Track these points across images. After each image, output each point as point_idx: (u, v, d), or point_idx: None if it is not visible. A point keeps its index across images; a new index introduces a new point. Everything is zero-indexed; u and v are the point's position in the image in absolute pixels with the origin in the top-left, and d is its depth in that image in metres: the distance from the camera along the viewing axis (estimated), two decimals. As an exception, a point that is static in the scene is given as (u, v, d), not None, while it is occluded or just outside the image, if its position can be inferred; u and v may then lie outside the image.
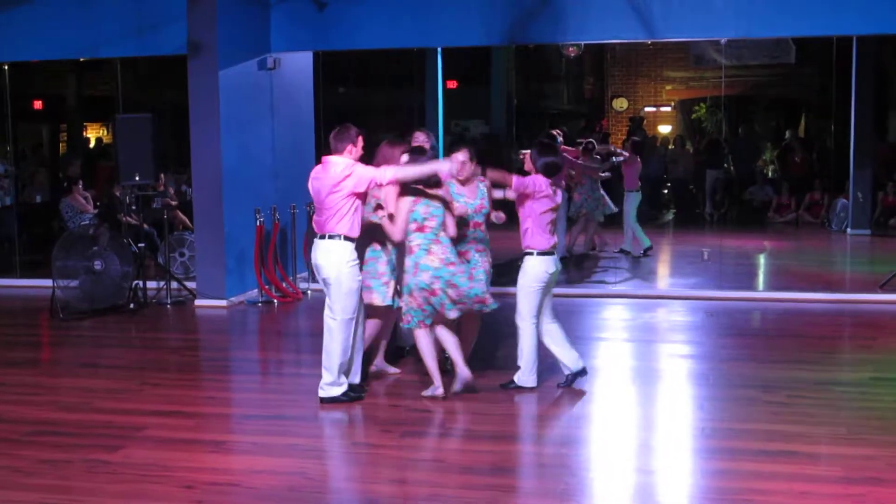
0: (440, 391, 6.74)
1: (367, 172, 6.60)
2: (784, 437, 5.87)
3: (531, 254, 6.88)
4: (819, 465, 5.44)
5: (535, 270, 6.85)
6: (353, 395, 6.79)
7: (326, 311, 6.68)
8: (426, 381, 6.94)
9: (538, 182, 6.86)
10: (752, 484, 5.13)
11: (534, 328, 6.91)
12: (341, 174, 6.56)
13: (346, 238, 6.60)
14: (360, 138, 6.76)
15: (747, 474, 5.28)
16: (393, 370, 7.54)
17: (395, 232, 6.73)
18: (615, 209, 13.47)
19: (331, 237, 6.61)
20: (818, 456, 5.60)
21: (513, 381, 7.03)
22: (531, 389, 6.97)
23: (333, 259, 6.59)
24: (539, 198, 6.85)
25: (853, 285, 11.46)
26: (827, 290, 10.79)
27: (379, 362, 7.50)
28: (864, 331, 9.26)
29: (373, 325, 7.22)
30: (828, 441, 5.85)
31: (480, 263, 7.14)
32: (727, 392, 7.03)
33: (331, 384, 6.71)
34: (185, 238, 12.33)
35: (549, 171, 6.93)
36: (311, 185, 6.77)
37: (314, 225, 6.80)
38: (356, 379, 6.89)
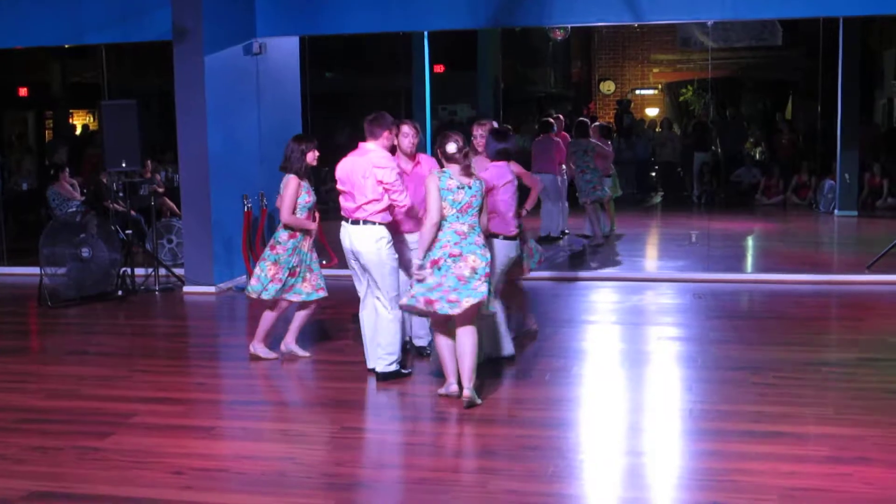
0: (454, 388, 6.49)
1: (396, 184, 6.67)
2: (771, 418, 5.91)
3: (497, 237, 6.96)
4: (806, 446, 5.47)
5: (500, 254, 6.95)
6: (406, 371, 6.98)
7: (368, 296, 6.85)
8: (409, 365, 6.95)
9: (501, 172, 6.92)
10: (740, 464, 5.17)
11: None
12: (382, 163, 6.65)
13: (380, 223, 6.72)
14: (395, 127, 6.87)
15: (735, 455, 5.31)
16: (303, 353, 7.66)
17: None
18: (608, 193, 13.31)
19: (365, 222, 6.70)
20: (805, 436, 5.63)
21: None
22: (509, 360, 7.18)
23: (372, 244, 6.68)
24: (503, 185, 6.95)
25: (840, 266, 11.52)
26: (814, 272, 10.83)
27: (290, 344, 7.68)
28: (852, 312, 9.30)
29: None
30: (815, 421, 5.89)
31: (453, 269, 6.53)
32: (715, 374, 7.06)
33: (391, 362, 6.83)
34: (172, 224, 12.30)
35: (502, 158, 7.03)
36: (342, 169, 6.82)
37: (344, 210, 6.83)
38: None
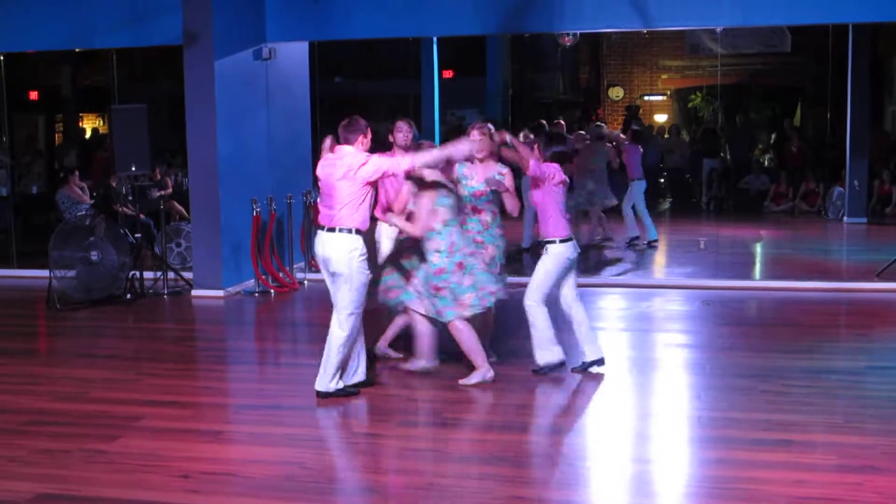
0: (490, 374, 6.76)
1: (382, 162, 6.50)
2: (780, 426, 5.89)
3: (553, 242, 6.95)
4: (815, 454, 5.45)
5: (560, 257, 6.96)
6: (351, 389, 6.68)
7: (335, 306, 6.63)
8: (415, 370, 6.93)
9: (552, 169, 6.94)
10: (749, 473, 5.15)
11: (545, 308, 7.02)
12: (356, 162, 6.42)
13: (357, 231, 6.45)
14: (369, 130, 6.65)
15: (743, 463, 5.30)
16: (395, 354, 7.55)
17: (416, 229, 6.71)
18: (615, 201, 13.32)
19: (340, 230, 6.44)
20: (814, 444, 5.61)
21: (540, 367, 7.08)
22: (558, 367, 7.09)
23: (344, 253, 6.41)
24: (556, 184, 6.95)
25: (850, 274, 11.49)
26: (823, 279, 10.80)
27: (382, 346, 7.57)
28: (861, 319, 9.27)
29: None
30: (824, 430, 5.87)
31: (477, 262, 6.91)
32: (723, 381, 7.04)
33: (328, 379, 6.60)
34: (181, 228, 12.33)
35: (560, 160, 7.05)
36: (321, 174, 6.63)
37: (321, 217, 6.64)
38: (358, 377, 6.79)
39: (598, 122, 14.27)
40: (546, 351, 7.02)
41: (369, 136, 6.63)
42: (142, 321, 9.78)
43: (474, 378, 6.79)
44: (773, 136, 18.50)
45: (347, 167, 6.42)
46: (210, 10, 10.35)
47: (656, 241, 13.41)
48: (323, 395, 6.62)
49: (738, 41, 16.77)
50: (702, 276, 11.28)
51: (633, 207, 13.31)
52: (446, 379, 7.24)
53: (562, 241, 6.94)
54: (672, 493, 5.08)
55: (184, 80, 10.60)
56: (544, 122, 13.67)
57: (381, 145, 7.78)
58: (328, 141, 6.97)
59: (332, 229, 6.46)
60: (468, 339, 6.70)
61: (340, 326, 6.51)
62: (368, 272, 6.58)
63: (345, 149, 6.55)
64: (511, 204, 7.07)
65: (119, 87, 12.63)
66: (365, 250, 6.51)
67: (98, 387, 7.11)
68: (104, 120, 17.36)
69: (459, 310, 6.71)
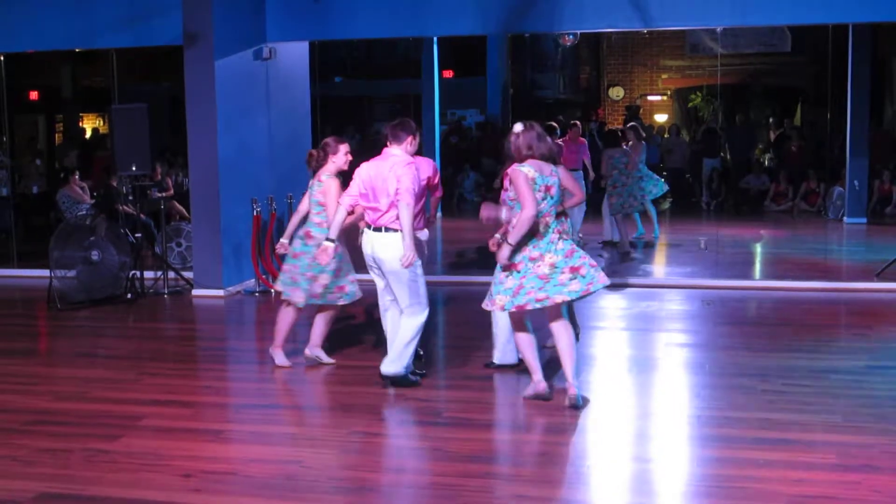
0: (542, 385, 6.47)
1: (409, 189, 6.47)
2: (780, 425, 5.90)
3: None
4: (814, 453, 5.46)
5: None
6: (415, 378, 6.88)
7: (390, 304, 6.79)
8: (416, 369, 6.94)
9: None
10: (748, 472, 5.16)
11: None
12: (403, 168, 6.52)
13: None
14: (419, 133, 6.81)
15: (743, 462, 5.31)
16: (327, 359, 7.57)
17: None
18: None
19: (387, 229, 6.56)
20: (813, 444, 5.62)
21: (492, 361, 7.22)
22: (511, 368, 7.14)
23: (393, 251, 6.51)
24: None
25: (850, 274, 11.50)
26: (823, 279, 10.81)
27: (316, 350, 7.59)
28: (861, 319, 9.28)
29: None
30: (823, 429, 5.88)
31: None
32: (723, 380, 7.06)
33: (401, 366, 6.76)
34: (182, 228, 12.34)
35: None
36: (366, 175, 6.66)
37: (367, 215, 6.70)
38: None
39: (633, 123, 14.33)
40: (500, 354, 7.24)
41: (418, 138, 6.76)
42: (142, 321, 9.79)
43: (528, 391, 6.56)
44: (783, 128, 18.47)
45: (396, 171, 6.52)
46: (210, 10, 10.36)
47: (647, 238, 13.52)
48: (391, 382, 6.77)
49: (739, 41, 16.80)
50: (702, 275, 11.29)
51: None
52: (447, 378, 7.27)
53: None
54: (672, 491, 5.09)
55: (184, 79, 10.61)
56: (555, 123, 13.69)
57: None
58: (345, 147, 7.15)
59: (378, 228, 6.60)
60: (522, 346, 6.53)
61: (410, 316, 6.67)
62: (420, 263, 6.66)
63: (393, 151, 6.66)
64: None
65: (119, 87, 12.64)
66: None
67: (99, 386, 7.12)
68: (104, 120, 17.37)
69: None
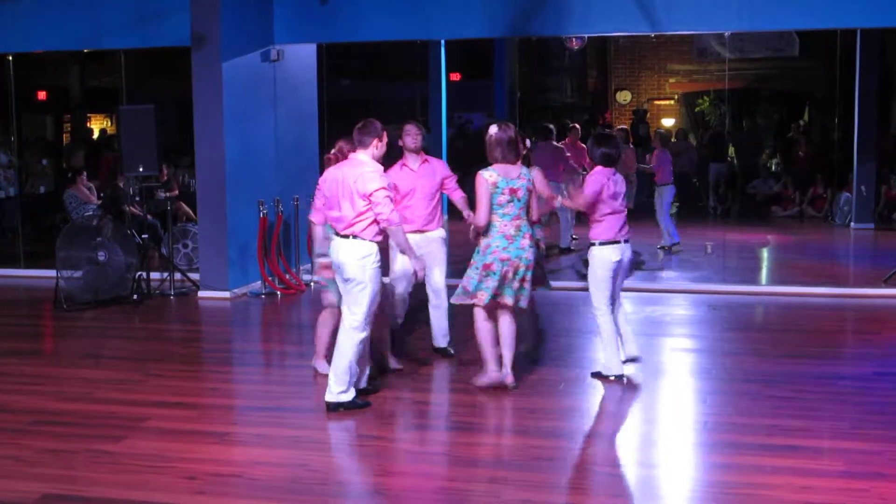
0: (495, 374, 6.79)
1: (385, 202, 6.29)
2: (786, 432, 5.88)
3: (594, 244, 7.05)
4: (821, 460, 5.44)
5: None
6: (361, 402, 6.51)
7: (345, 312, 6.45)
8: (423, 373, 6.94)
9: (602, 179, 6.96)
10: (755, 478, 5.14)
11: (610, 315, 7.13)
12: (369, 178, 6.30)
13: (371, 240, 6.36)
14: (385, 133, 6.53)
15: (749, 468, 5.29)
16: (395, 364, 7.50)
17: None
18: None
19: (355, 237, 6.34)
20: (821, 450, 5.61)
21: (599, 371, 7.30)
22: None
23: (356, 259, 6.31)
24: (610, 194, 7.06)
25: (857, 279, 11.46)
26: (830, 285, 10.79)
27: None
28: (868, 325, 9.26)
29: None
30: (830, 435, 5.86)
31: None
32: (730, 386, 7.04)
33: (340, 391, 6.44)
34: (188, 229, 12.35)
35: (608, 162, 7.07)
36: (330, 180, 6.47)
37: (331, 222, 6.50)
38: (362, 384, 6.71)
39: (659, 129, 14.37)
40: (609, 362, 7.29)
41: (385, 140, 6.50)
42: (148, 322, 9.79)
43: (481, 378, 6.85)
44: (791, 132, 18.45)
45: (361, 180, 6.30)
46: (218, 12, 10.36)
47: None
48: (332, 408, 6.43)
49: (746, 45, 16.76)
50: (709, 280, 11.26)
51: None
52: (454, 382, 7.25)
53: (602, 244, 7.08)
54: (678, 497, 5.07)
55: (192, 81, 10.62)
56: (552, 126, 13.67)
57: (392, 148, 7.80)
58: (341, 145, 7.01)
59: (345, 236, 6.37)
60: (483, 335, 6.78)
61: (356, 329, 6.36)
62: (381, 279, 6.46)
63: (360, 158, 6.42)
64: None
65: (127, 88, 12.65)
66: (379, 256, 6.41)
67: (104, 387, 7.12)
68: (112, 120, 17.40)
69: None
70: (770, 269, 13.16)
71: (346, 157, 6.95)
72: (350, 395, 6.42)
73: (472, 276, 6.71)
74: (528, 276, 6.71)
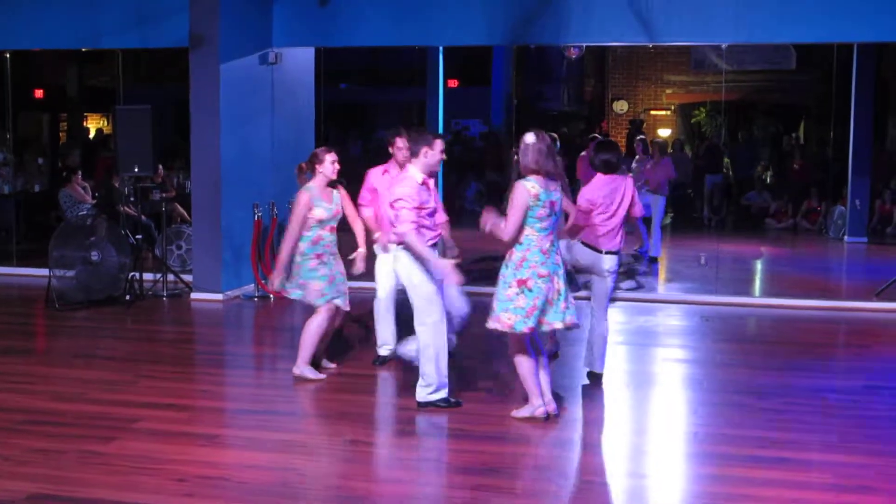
0: (541, 410, 6.33)
1: (405, 216, 6.35)
2: (776, 444, 5.88)
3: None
4: (810, 473, 5.45)
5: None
6: (453, 401, 6.61)
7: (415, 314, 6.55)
8: (412, 378, 6.93)
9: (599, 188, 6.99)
10: (744, 490, 5.14)
11: None
12: (395, 194, 6.44)
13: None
14: (438, 142, 6.57)
15: (739, 480, 5.29)
16: (331, 365, 7.61)
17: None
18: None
19: (398, 245, 6.48)
20: (810, 463, 5.61)
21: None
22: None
23: (402, 266, 6.48)
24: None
25: (849, 293, 11.48)
26: (823, 298, 10.81)
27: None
28: (859, 339, 9.27)
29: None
30: (820, 448, 5.87)
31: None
32: (721, 397, 7.04)
33: (429, 390, 6.55)
34: (182, 231, 12.34)
35: (609, 169, 7.04)
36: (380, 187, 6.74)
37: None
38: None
39: (656, 139, 14.28)
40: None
41: (437, 148, 6.56)
42: (140, 323, 9.78)
43: (522, 411, 6.46)
44: (786, 140, 18.48)
45: (392, 193, 6.49)
46: (217, 14, 10.37)
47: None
48: (421, 405, 6.57)
49: (743, 57, 16.80)
50: (702, 291, 11.28)
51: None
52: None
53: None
54: (667, 508, 5.08)
55: (189, 82, 10.62)
56: (555, 134, 13.71)
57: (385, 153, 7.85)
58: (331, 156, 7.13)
59: (398, 244, 6.49)
60: (524, 370, 6.35)
61: (425, 335, 6.50)
62: (433, 282, 6.47)
63: (408, 169, 6.58)
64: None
65: (124, 88, 12.64)
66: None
67: (95, 388, 7.11)
68: (108, 120, 17.39)
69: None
70: (763, 281, 13.18)
71: (321, 164, 7.07)
72: (441, 395, 6.55)
73: (501, 296, 6.17)
74: (570, 294, 6.33)
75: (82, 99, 17.91)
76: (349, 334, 8.78)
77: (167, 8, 11.02)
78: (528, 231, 6.08)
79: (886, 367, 8.04)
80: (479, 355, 7.96)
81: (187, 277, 11.05)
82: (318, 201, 7.22)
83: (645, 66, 19.69)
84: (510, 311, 6.09)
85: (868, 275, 12.61)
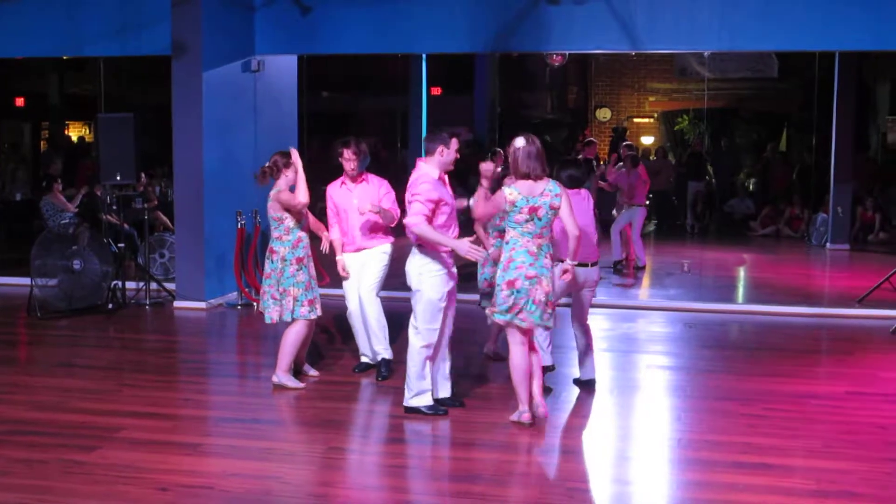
0: (527, 416, 6.35)
1: (417, 208, 6.31)
2: (759, 450, 5.90)
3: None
4: (794, 478, 5.46)
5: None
6: (440, 409, 6.60)
7: (411, 320, 6.54)
8: (397, 386, 6.92)
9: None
10: (728, 496, 5.16)
11: None
12: (411, 185, 6.41)
13: (426, 253, 6.41)
14: (455, 140, 6.55)
15: (723, 486, 5.30)
16: (313, 372, 7.63)
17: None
18: None
19: (416, 245, 6.46)
20: (793, 469, 5.63)
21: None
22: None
23: (412, 269, 6.45)
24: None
25: (831, 299, 11.53)
26: (805, 304, 10.85)
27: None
28: (842, 345, 9.31)
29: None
30: (802, 454, 5.88)
31: None
32: (704, 404, 7.06)
33: (413, 395, 6.55)
34: (165, 239, 12.29)
35: (574, 183, 7.08)
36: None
37: (408, 232, 6.53)
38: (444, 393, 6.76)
39: (630, 150, 14.20)
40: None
41: (453, 147, 6.54)
42: (123, 331, 9.73)
43: (514, 416, 6.47)
44: (769, 148, 18.59)
45: (411, 186, 6.44)
46: (199, 22, 10.35)
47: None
48: (407, 410, 6.57)
49: (726, 65, 16.91)
50: (685, 298, 11.31)
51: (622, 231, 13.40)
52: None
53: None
54: (651, 515, 5.08)
55: (171, 90, 10.59)
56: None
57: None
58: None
59: (415, 245, 6.49)
60: (517, 372, 6.39)
61: (417, 341, 6.49)
62: (442, 290, 6.45)
63: (419, 164, 6.54)
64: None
65: (106, 96, 12.60)
66: (439, 267, 6.42)
67: (78, 397, 7.07)
68: (90, 128, 17.33)
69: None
70: (746, 287, 13.22)
71: (279, 171, 7.05)
72: (425, 401, 6.55)
73: (498, 296, 6.31)
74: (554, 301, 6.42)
75: (64, 107, 17.85)
76: (329, 342, 8.76)
77: (149, 16, 10.98)
78: (511, 233, 6.27)
79: (868, 373, 8.07)
80: (464, 359, 7.95)
81: (170, 286, 11.01)
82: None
83: (628, 73, 19.77)
84: (499, 305, 6.28)
85: (850, 281, 12.67)
